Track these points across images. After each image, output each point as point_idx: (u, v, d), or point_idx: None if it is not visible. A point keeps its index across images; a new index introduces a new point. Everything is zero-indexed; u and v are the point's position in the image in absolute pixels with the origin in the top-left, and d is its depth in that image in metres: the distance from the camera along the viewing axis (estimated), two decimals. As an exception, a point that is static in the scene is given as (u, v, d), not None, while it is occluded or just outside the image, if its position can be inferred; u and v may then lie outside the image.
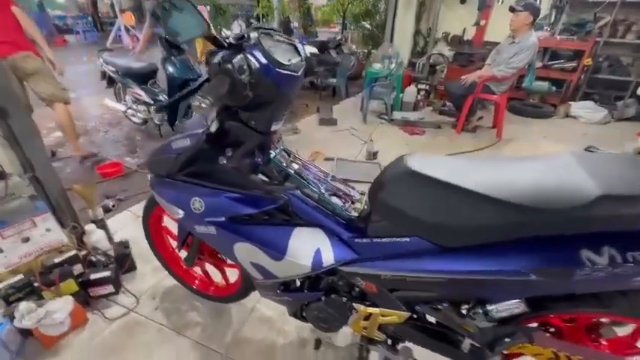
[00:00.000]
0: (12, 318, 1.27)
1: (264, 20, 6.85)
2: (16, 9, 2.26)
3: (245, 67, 0.73)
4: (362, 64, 6.19)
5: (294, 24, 6.45)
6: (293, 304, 1.13)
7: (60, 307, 1.33)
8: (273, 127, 0.94)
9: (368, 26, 7.46)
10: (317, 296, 1.03)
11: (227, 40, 0.74)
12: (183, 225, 1.12)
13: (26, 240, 1.41)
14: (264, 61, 0.77)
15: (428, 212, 0.74)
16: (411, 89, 4.36)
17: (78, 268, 1.49)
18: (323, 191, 0.98)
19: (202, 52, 4.45)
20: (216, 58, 0.76)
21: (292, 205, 0.95)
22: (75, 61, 7.37)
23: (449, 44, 5.13)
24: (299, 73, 0.87)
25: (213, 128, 0.89)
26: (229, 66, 0.72)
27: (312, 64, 1.03)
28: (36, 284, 1.35)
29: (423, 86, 4.64)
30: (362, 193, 1.07)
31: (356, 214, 0.95)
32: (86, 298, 1.50)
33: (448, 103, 4.30)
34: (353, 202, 1.02)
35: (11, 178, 1.41)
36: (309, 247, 0.92)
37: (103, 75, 3.64)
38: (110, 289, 1.53)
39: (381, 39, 5.94)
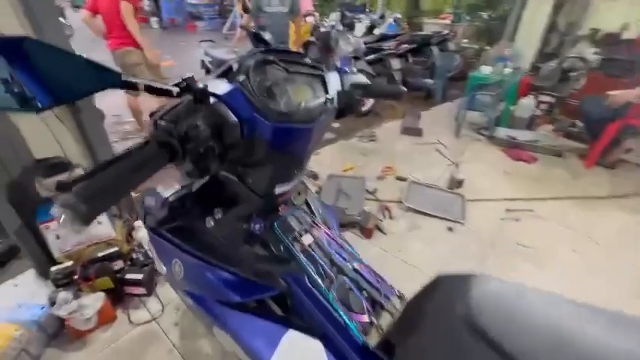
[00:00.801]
0: (53, 303, 1.36)
1: (368, 10, 6.47)
2: (125, 9, 2.44)
3: (202, 128, 0.47)
4: (470, 62, 5.34)
5: (396, 15, 5.91)
6: None
7: (91, 303, 1.38)
8: (279, 190, 0.68)
9: (485, 17, 6.38)
10: None
11: (187, 81, 0.48)
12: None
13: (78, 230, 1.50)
14: (246, 113, 0.51)
15: None
16: (527, 101, 3.49)
17: (119, 264, 1.54)
18: (339, 285, 0.68)
19: (294, 44, 4.40)
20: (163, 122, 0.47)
21: (292, 297, 0.68)
22: (194, 47, 8.32)
23: (596, 45, 3.93)
24: (313, 123, 0.58)
25: (195, 187, 0.68)
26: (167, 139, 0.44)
27: (353, 99, 0.72)
28: (75, 277, 1.42)
29: (545, 98, 3.67)
30: (400, 297, 0.73)
31: (375, 339, 0.63)
32: (120, 294, 1.53)
33: (579, 124, 3.31)
34: (382, 308, 0.69)
35: (75, 170, 1.50)
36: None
37: (202, 64, 3.91)
38: (142, 290, 1.54)
39: (498, 35, 4.97)
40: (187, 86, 0.45)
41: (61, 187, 0.41)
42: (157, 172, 0.42)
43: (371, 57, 4.40)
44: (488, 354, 0.34)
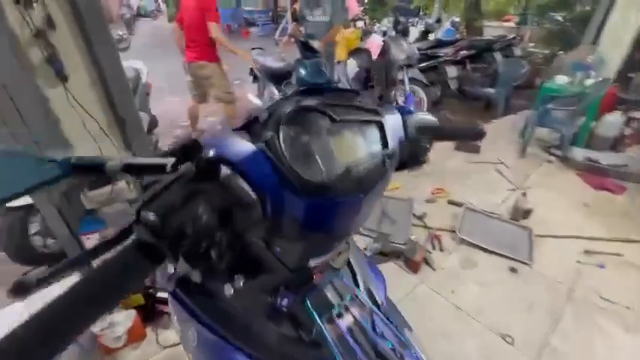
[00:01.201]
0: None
1: (423, 14, 6.12)
2: (212, 25, 2.62)
3: (206, 218, 0.32)
4: (538, 69, 4.78)
5: (454, 18, 5.50)
6: None
7: (122, 321, 1.36)
8: (313, 263, 0.53)
9: (559, 19, 5.68)
10: None
11: (187, 146, 0.34)
12: None
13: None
14: (271, 186, 0.36)
15: None
16: (614, 117, 2.96)
17: (150, 280, 1.52)
18: None
19: (343, 52, 4.26)
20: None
21: None
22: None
23: None
24: (365, 195, 0.42)
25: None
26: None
27: (419, 147, 0.54)
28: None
29: (637, 114, 3.10)
30: None
31: None
32: (151, 311, 1.50)
33: (683, 147, 2.73)
34: None
35: (118, 184, 1.50)
36: None
37: (251, 71, 3.94)
38: (173, 310, 1.50)
39: (575, 38, 4.37)
40: (187, 153, 0.32)
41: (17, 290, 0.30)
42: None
43: (424, 64, 4.12)
44: None
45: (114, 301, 0.28)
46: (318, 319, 0.57)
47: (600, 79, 2.94)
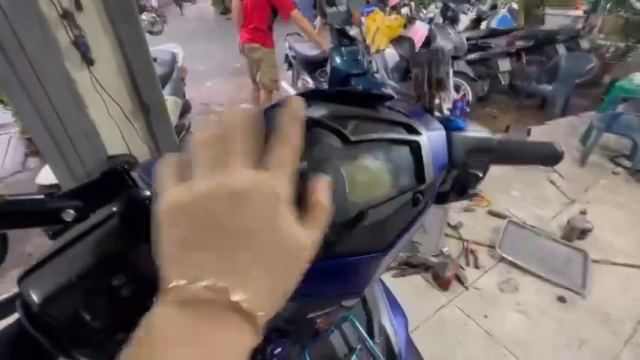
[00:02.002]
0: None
1: (476, 0, 5.58)
2: (295, 15, 2.66)
3: (127, 291, 0.21)
4: (608, 65, 4.20)
5: (512, 4, 4.96)
6: None
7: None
8: (312, 315, 0.42)
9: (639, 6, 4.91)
10: None
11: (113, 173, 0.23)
12: None
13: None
14: None
15: None
16: None
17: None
18: None
19: (383, 40, 3.99)
20: None
21: None
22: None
23: None
24: (385, 252, 0.29)
25: None
26: None
27: (469, 176, 0.40)
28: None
29: None
30: None
31: None
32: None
33: None
34: None
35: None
36: None
37: (286, 57, 3.83)
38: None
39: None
40: (113, 185, 0.22)
41: None
42: None
43: (473, 56, 3.75)
44: None
45: None
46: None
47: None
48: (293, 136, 0.20)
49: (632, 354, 1.33)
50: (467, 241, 1.85)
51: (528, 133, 2.98)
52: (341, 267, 0.28)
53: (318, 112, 0.29)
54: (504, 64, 3.86)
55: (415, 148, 0.32)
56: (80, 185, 0.23)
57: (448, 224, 1.94)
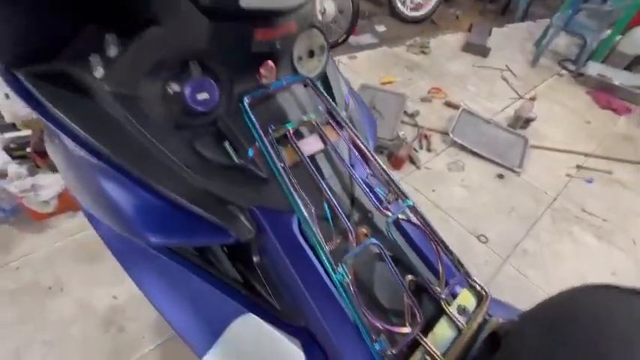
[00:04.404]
0: (5, 176, 1.13)
1: None
2: None
3: None
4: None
5: None
6: None
7: (49, 184, 1.14)
8: (249, 3, 0.27)
9: None
10: None
11: None
12: None
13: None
14: None
15: None
16: (644, 32, 2.61)
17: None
18: (361, 250, 0.33)
19: None
20: None
21: (262, 253, 0.35)
22: None
23: None
24: None
25: None
26: None
27: None
28: (28, 149, 1.15)
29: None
30: (481, 294, 0.38)
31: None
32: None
33: None
34: (441, 311, 0.35)
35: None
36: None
37: None
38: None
39: None
40: None
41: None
42: None
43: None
44: None
45: None
46: (263, 135, 0.35)
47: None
48: None
49: (550, 217, 1.51)
50: (422, 127, 1.84)
51: (489, 34, 2.89)
52: None
53: None
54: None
55: None
56: None
57: (405, 112, 1.89)
